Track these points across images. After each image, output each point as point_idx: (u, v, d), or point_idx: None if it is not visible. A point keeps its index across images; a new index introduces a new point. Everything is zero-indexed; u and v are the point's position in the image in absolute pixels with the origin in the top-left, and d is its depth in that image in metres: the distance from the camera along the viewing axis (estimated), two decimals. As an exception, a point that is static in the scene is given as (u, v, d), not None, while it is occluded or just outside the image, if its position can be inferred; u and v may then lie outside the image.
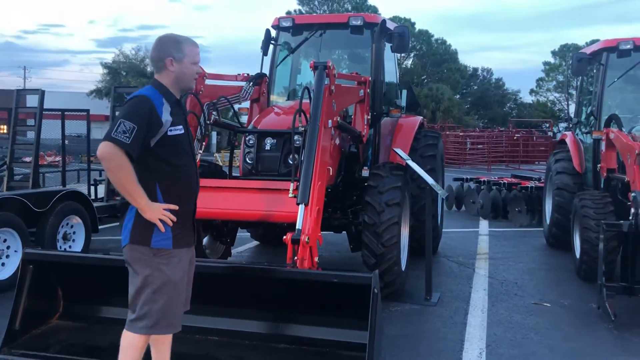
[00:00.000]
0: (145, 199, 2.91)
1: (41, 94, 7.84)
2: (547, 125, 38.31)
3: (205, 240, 6.01)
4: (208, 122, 5.39)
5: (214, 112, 5.51)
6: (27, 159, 8.90)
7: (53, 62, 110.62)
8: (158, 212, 2.93)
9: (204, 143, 5.30)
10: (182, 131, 3.05)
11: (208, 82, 5.52)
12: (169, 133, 2.96)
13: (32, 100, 8.28)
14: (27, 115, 9.33)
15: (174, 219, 2.98)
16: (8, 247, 5.78)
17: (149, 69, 48.10)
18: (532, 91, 61.54)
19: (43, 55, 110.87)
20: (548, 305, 5.63)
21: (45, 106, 7.63)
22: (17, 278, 4.13)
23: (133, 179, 2.86)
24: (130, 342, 3.06)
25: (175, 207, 3.00)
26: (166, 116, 2.96)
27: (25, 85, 50.87)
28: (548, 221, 8.53)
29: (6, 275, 5.69)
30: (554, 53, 59.53)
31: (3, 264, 5.73)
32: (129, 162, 2.83)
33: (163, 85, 3.05)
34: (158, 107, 2.93)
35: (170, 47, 3.03)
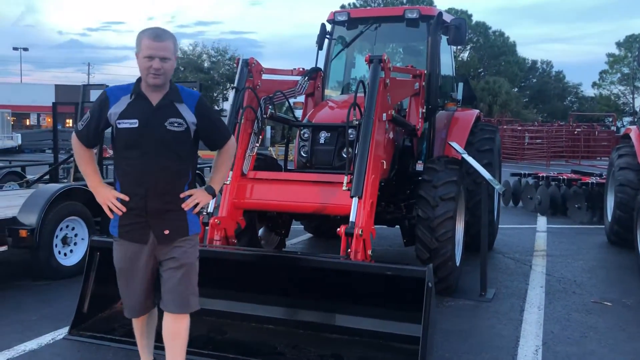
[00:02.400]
0: (96, 181, 3.11)
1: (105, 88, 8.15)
2: (610, 119, 36.79)
3: (260, 231, 6.13)
4: (265, 116, 5.48)
5: (270, 106, 5.60)
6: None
7: (114, 58, 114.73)
8: (106, 197, 3.04)
9: (260, 136, 5.41)
10: (136, 125, 2.98)
11: (265, 77, 5.61)
12: (118, 125, 3.00)
13: (96, 95, 8.60)
14: (91, 110, 9.72)
15: (123, 208, 3.02)
16: (76, 235, 6.07)
17: (206, 64, 49.18)
18: (594, 84, 59.31)
19: (105, 52, 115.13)
20: (609, 304, 5.46)
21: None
22: (85, 264, 4.35)
23: (85, 162, 3.13)
24: None
25: (126, 198, 3.01)
26: (117, 109, 3.00)
27: (89, 80, 52.89)
28: (610, 218, 8.24)
29: (74, 261, 5.97)
30: (618, 44, 57.05)
31: (71, 251, 6.02)
32: (81, 146, 3.11)
33: (139, 79, 3.07)
34: (112, 100, 3.02)
35: (136, 41, 3.02)
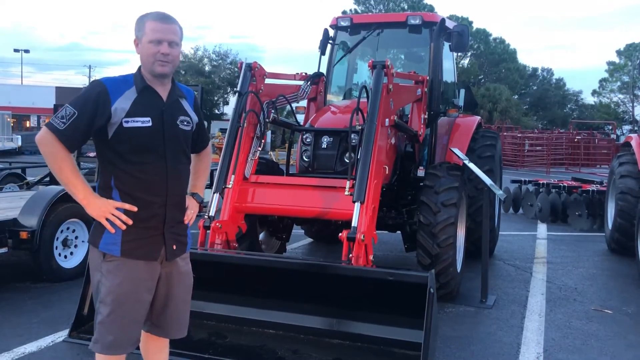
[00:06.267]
0: (85, 192, 2.54)
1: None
2: (610, 127, 36.86)
3: (261, 235, 6.12)
4: (267, 120, 5.48)
5: (272, 111, 5.61)
6: (92, 154, 9.29)
7: (115, 61, 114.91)
8: (105, 210, 2.54)
9: (262, 141, 5.41)
10: (149, 124, 2.56)
11: (268, 81, 5.62)
12: (125, 125, 2.52)
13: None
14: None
15: (128, 221, 2.55)
16: (76, 237, 6.06)
17: (207, 68, 49.26)
18: (594, 92, 59.44)
19: (106, 55, 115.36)
20: (610, 312, 5.46)
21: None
22: (85, 266, 4.34)
23: (67, 168, 2.52)
24: None
25: (133, 208, 2.56)
26: (121, 104, 2.53)
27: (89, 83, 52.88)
28: (610, 226, 8.25)
29: (74, 264, 5.94)
30: (619, 52, 57.24)
31: (72, 253, 6.00)
32: (62, 149, 2.50)
33: (139, 71, 2.66)
34: (113, 93, 2.53)
35: (136, 26, 2.62)
